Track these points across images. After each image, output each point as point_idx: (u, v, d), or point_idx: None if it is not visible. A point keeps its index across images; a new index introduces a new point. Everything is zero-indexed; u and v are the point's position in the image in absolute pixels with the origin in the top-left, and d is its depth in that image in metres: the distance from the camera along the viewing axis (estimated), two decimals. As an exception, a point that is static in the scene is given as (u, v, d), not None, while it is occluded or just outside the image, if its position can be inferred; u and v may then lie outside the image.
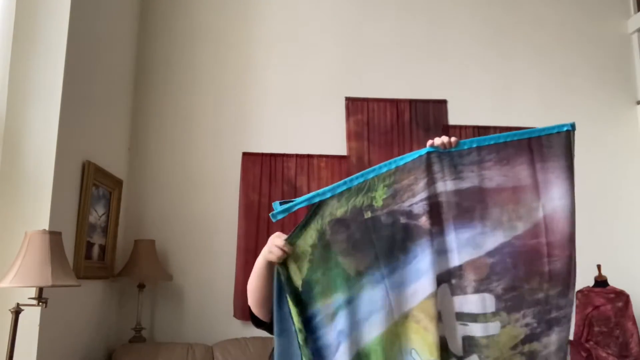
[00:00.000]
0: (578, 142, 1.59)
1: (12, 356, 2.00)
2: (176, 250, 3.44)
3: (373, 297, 1.52)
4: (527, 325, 1.51)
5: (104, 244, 3.06)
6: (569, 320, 1.53)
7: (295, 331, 1.49)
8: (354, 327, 1.49)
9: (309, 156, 3.61)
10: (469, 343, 1.49)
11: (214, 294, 3.38)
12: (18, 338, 2.03)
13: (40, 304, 2.08)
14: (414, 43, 3.90)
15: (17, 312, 2.03)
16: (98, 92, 2.95)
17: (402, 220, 1.55)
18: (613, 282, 3.26)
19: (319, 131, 3.68)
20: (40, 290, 2.08)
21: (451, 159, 1.58)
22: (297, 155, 3.60)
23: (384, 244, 1.55)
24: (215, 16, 3.81)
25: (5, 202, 2.31)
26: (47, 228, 2.27)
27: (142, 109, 3.62)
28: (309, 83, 3.76)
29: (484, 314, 1.49)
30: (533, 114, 3.84)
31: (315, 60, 3.80)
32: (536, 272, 1.52)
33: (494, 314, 1.49)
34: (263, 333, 1.68)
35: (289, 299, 1.49)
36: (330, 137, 3.67)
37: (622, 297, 3.17)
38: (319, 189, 1.58)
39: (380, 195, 1.57)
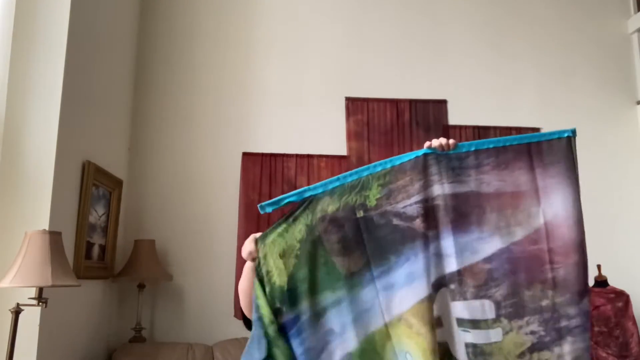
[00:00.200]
0: (578, 142, 1.58)
1: (12, 356, 2.00)
2: (176, 250, 3.44)
3: (363, 297, 1.50)
4: (532, 333, 1.47)
5: (104, 244, 3.06)
6: (585, 330, 1.47)
7: (264, 327, 1.46)
8: (344, 327, 1.47)
9: (309, 156, 3.61)
10: (473, 351, 1.46)
11: (214, 294, 3.38)
12: (18, 338, 2.03)
13: (40, 304, 2.08)
14: (414, 43, 3.90)
15: (17, 312, 2.03)
16: (98, 92, 2.95)
17: (395, 221, 1.53)
18: (613, 282, 3.26)
19: (319, 131, 3.68)
20: (40, 290, 2.08)
21: (449, 161, 1.55)
22: (297, 155, 3.60)
23: (376, 245, 1.53)
24: (215, 16, 3.81)
25: (5, 202, 2.31)
26: (47, 228, 2.27)
27: (142, 109, 3.62)
28: (309, 83, 3.76)
29: (485, 321, 1.47)
30: (533, 114, 3.84)
31: (315, 60, 3.79)
32: (537, 279, 1.49)
33: (495, 321, 1.47)
34: (263, 333, 1.67)
35: (259, 296, 1.47)
36: (330, 137, 3.67)
37: (622, 297, 3.16)
38: (318, 188, 1.57)
39: (374, 195, 1.55)
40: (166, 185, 3.52)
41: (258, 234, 1.56)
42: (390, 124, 3.72)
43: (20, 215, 2.31)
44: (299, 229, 1.52)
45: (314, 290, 1.49)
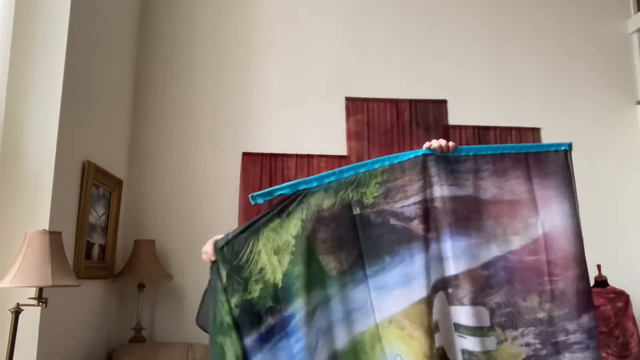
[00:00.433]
0: (578, 142, 1.59)
1: (12, 356, 1.99)
2: (176, 250, 3.43)
3: (354, 296, 1.48)
4: (527, 345, 1.45)
5: (104, 244, 3.06)
6: (587, 349, 1.44)
7: (222, 327, 1.44)
8: (332, 326, 1.45)
9: (309, 156, 3.61)
10: (469, 358, 1.44)
11: (214, 294, 3.37)
12: (18, 338, 2.03)
13: (40, 304, 2.08)
14: (414, 43, 3.90)
15: (17, 312, 2.03)
16: (98, 92, 2.95)
17: (392, 221, 1.51)
18: (613, 282, 3.26)
19: (319, 131, 3.68)
20: (40, 290, 2.08)
21: (448, 164, 1.54)
22: (297, 155, 3.60)
23: (371, 244, 1.51)
24: (215, 16, 3.81)
25: (5, 202, 2.31)
26: (47, 228, 2.27)
27: (142, 109, 3.62)
28: (309, 83, 3.76)
29: (480, 328, 1.45)
30: (533, 114, 3.84)
31: (315, 60, 3.79)
32: (535, 290, 1.48)
33: (489, 329, 1.45)
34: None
35: (220, 299, 1.45)
36: (330, 137, 3.67)
37: (622, 297, 3.16)
38: (318, 188, 1.54)
39: (371, 192, 1.53)
40: (166, 185, 3.52)
41: (220, 236, 1.54)
42: (390, 124, 3.72)
43: (20, 215, 2.31)
44: (294, 224, 1.49)
45: (309, 287, 1.45)
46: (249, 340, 1.48)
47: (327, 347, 1.44)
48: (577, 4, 4.12)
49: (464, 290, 1.46)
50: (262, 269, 1.49)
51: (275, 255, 1.48)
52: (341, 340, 1.45)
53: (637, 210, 3.81)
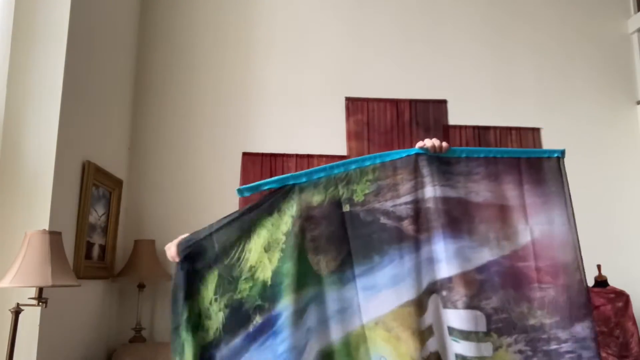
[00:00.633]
0: (578, 142, 1.59)
1: (12, 356, 1.99)
2: (176, 250, 3.43)
3: (341, 295, 1.45)
4: (520, 352, 1.43)
5: (104, 244, 3.06)
6: (579, 358, 1.42)
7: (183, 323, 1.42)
8: (319, 326, 1.42)
9: (309, 156, 3.61)
10: None
11: (214, 294, 3.37)
12: (18, 338, 2.03)
13: (40, 304, 2.08)
14: (414, 43, 3.90)
15: (17, 312, 2.03)
16: (98, 92, 2.95)
17: (383, 220, 1.48)
18: (613, 282, 3.26)
19: (319, 131, 3.68)
20: (40, 290, 2.08)
21: (440, 164, 1.52)
22: (297, 155, 3.60)
23: (360, 242, 1.48)
24: (215, 16, 3.81)
25: (5, 202, 2.31)
26: (47, 228, 2.27)
27: (142, 109, 3.62)
28: (309, 83, 3.76)
29: (476, 333, 1.42)
30: (533, 114, 3.84)
31: (315, 60, 3.79)
32: (525, 297, 1.46)
33: (486, 334, 1.42)
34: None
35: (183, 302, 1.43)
36: (330, 137, 3.67)
37: (622, 297, 3.16)
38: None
39: (362, 190, 1.50)
40: (166, 185, 3.52)
41: (185, 235, 1.53)
42: (390, 124, 3.72)
43: (20, 215, 2.31)
44: (285, 221, 1.46)
45: (297, 285, 1.42)
46: (238, 340, 1.44)
47: (315, 348, 1.41)
48: (577, 4, 4.12)
49: (458, 294, 1.43)
50: (252, 267, 1.47)
51: (265, 253, 1.45)
52: (327, 340, 1.42)
53: (637, 210, 3.81)
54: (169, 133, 3.60)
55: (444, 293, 1.45)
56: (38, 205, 2.33)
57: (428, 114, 3.77)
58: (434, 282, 1.46)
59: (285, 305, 1.41)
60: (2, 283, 1.97)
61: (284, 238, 1.45)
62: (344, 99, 3.74)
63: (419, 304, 1.43)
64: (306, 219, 1.47)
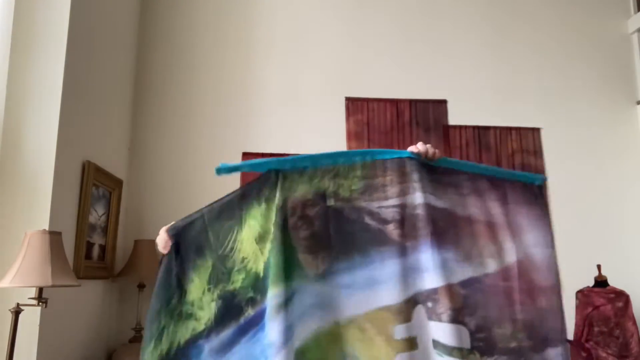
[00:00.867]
0: (578, 142, 1.59)
1: (12, 356, 2.00)
2: (176, 250, 3.43)
3: (319, 291, 1.41)
4: None
5: (104, 244, 3.06)
6: None
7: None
8: (296, 320, 1.37)
9: (309, 156, 3.61)
10: None
11: (214, 294, 3.37)
12: (18, 338, 2.03)
13: (40, 304, 2.08)
14: (414, 43, 3.90)
15: (17, 312, 2.03)
16: (98, 92, 2.95)
17: (368, 220, 1.45)
18: (613, 282, 3.26)
19: (319, 131, 3.68)
20: (40, 290, 2.08)
21: (430, 172, 1.49)
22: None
23: (342, 239, 1.44)
24: (215, 16, 3.81)
25: (5, 202, 2.31)
26: (47, 228, 2.27)
27: (142, 109, 3.62)
28: (309, 83, 3.76)
29: (460, 349, 1.36)
30: (533, 114, 3.84)
31: (315, 60, 3.79)
32: (507, 318, 1.42)
33: (469, 352, 1.37)
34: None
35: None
36: (330, 137, 3.66)
37: (622, 297, 3.16)
38: (318, 189, 1.49)
39: (349, 185, 1.46)
40: (166, 185, 3.52)
41: (169, 225, 1.51)
42: (390, 124, 3.72)
43: (20, 215, 2.31)
44: (273, 211, 1.42)
45: (280, 278, 1.38)
46: (229, 332, 1.41)
47: (292, 343, 1.36)
48: (577, 4, 4.12)
49: (443, 306, 1.38)
50: (244, 259, 1.44)
51: (257, 244, 1.42)
52: (303, 335, 1.37)
53: (637, 211, 3.81)
54: (169, 133, 3.60)
55: (429, 304, 1.40)
56: (38, 205, 2.33)
57: (428, 114, 3.77)
58: (420, 292, 1.41)
59: (269, 297, 1.37)
60: (2, 283, 1.97)
61: (272, 229, 1.41)
62: (344, 99, 3.74)
63: (398, 312, 1.39)
64: (290, 209, 1.43)
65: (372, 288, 1.41)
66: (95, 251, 2.93)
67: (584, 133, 3.86)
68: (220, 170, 1.46)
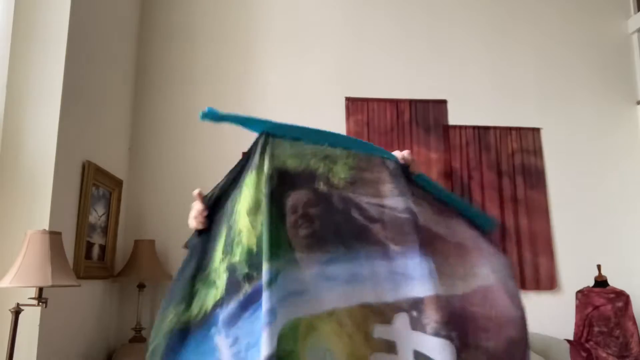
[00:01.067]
0: (578, 142, 1.59)
1: (12, 356, 2.00)
2: (176, 250, 3.42)
3: (300, 277, 1.35)
4: None
5: (104, 244, 3.06)
6: None
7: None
8: (277, 304, 1.29)
9: (309, 156, 3.61)
10: None
11: (214, 294, 3.37)
12: (18, 338, 2.03)
13: (40, 304, 2.08)
14: (414, 43, 3.90)
15: (17, 312, 2.03)
16: (98, 92, 2.95)
17: (354, 213, 1.41)
18: (613, 282, 3.26)
19: (319, 131, 3.67)
20: (40, 290, 2.08)
21: (410, 182, 1.49)
22: (297, 155, 3.60)
23: (327, 228, 1.39)
24: (215, 16, 3.81)
25: (5, 202, 2.31)
26: (47, 228, 2.27)
27: (142, 109, 3.62)
28: (309, 83, 3.76)
29: None
30: (533, 114, 3.85)
31: (315, 60, 3.79)
32: (479, 345, 1.36)
33: None
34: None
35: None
36: (330, 137, 3.66)
37: (622, 297, 3.16)
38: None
39: (338, 172, 1.43)
40: (166, 185, 3.52)
41: (198, 194, 1.48)
42: (390, 124, 3.72)
43: (20, 215, 2.31)
44: (264, 181, 1.37)
45: (267, 255, 1.31)
46: (233, 306, 1.36)
47: (275, 326, 1.29)
48: (577, 4, 4.12)
49: (428, 317, 1.33)
50: (240, 231, 1.38)
51: (247, 217, 1.36)
52: (281, 322, 1.29)
53: (637, 211, 3.81)
54: (169, 133, 3.60)
55: (414, 314, 1.35)
56: (38, 205, 2.33)
57: (428, 114, 3.77)
58: (405, 299, 1.36)
59: (263, 274, 1.31)
60: (2, 283, 1.97)
61: (264, 200, 1.35)
62: (344, 99, 3.74)
63: (379, 312, 1.34)
64: (278, 181, 1.39)
65: (355, 284, 1.36)
66: (95, 251, 2.93)
67: (584, 133, 3.86)
68: (206, 116, 1.40)
